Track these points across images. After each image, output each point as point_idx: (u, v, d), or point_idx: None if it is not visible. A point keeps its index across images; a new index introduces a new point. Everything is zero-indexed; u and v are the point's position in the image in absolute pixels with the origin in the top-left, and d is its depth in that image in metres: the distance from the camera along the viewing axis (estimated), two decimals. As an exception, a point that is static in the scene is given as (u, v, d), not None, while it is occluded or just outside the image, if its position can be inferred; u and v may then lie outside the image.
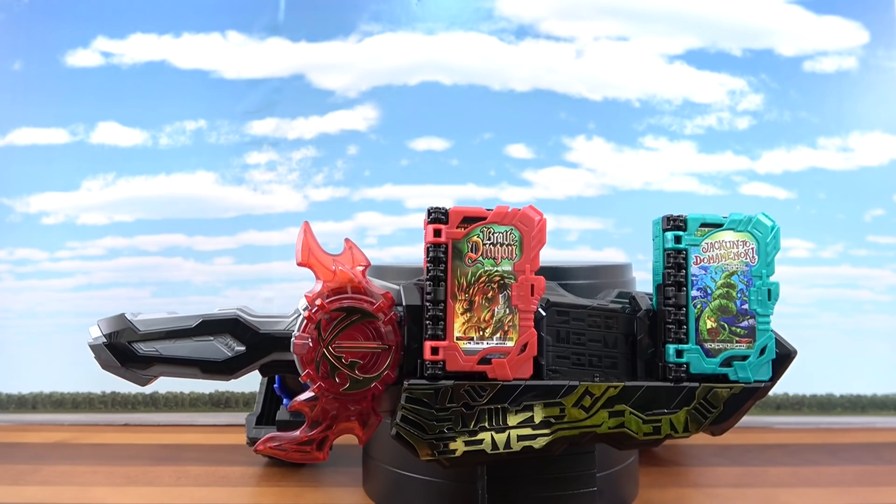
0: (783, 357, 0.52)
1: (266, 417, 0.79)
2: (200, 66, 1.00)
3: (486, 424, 0.49)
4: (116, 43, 1.00)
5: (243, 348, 0.53)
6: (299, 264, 0.53)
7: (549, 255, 0.96)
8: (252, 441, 0.79)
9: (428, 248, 0.49)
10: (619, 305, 0.53)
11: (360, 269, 0.53)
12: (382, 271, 0.66)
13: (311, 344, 0.51)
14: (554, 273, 0.59)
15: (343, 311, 0.51)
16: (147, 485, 0.72)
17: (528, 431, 0.49)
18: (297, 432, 0.54)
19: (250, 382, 0.99)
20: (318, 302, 0.51)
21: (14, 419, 0.99)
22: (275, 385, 0.78)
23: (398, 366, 0.51)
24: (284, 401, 0.77)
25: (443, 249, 0.49)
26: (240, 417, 0.97)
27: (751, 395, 0.50)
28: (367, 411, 0.53)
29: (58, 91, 1.00)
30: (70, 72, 1.00)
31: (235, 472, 0.76)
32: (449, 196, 0.98)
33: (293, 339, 0.51)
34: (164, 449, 0.86)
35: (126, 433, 0.93)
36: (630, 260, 0.72)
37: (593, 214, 0.98)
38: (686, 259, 0.50)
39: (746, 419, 0.59)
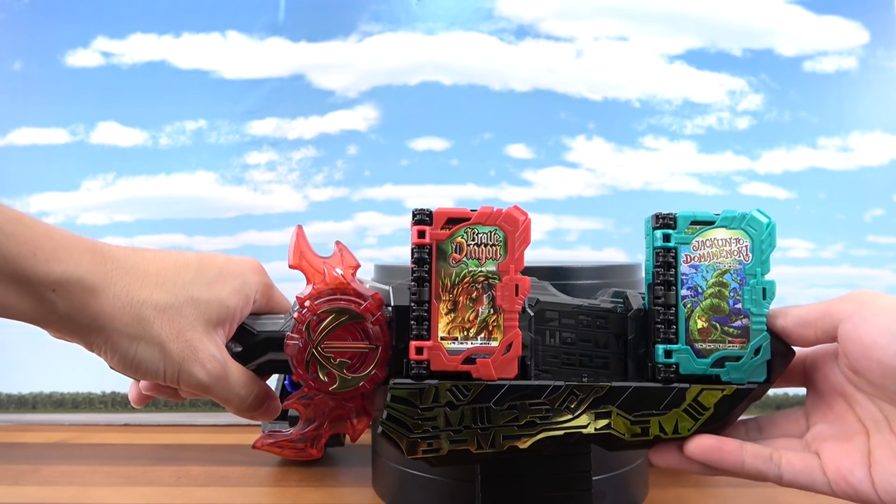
0: (783, 358, 0.51)
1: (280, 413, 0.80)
2: (200, 66, 1.00)
3: (471, 424, 0.49)
4: (116, 43, 1.00)
5: (240, 349, 0.54)
6: (291, 267, 0.54)
7: (550, 255, 0.96)
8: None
9: (413, 250, 0.49)
10: (612, 305, 0.52)
11: (350, 271, 0.53)
12: (387, 271, 0.65)
13: (300, 344, 0.51)
14: (564, 273, 0.59)
15: (331, 312, 0.52)
16: (147, 485, 0.72)
17: (513, 431, 0.49)
18: (293, 430, 0.55)
19: (250, 382, 0.99)
20: (307, 304, 0.52)
21: (14, 419, 0.99)
22: (285, 381, 0.78)
23: (386, 365, 0.52)
24: None
25: (427, 250, 0.49)
26: (239, 418, 0.97)
27: (745, 397, 0.50)
28: (358, 409, 0.54)
29: (58, 91, 1.00)
30: (70, 72, 1.00)
31: (235, 472, 0.76)
32: (449, 196, 0.98)
33: (285, 339, 0.52)
34: (164, 449, 0.86)
35: (126, 433, 0.94)
36: (630, 260, 0.72)
37: (593, 214, 0.98)
38: (675, 258, 0.50)
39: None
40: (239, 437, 0.91)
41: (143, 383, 0.56)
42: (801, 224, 0.97)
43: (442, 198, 0.98)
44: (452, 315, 0.49)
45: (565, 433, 0.49)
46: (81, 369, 0.99)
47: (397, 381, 0.49)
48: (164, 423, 0.98)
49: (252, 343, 0.54)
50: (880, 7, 0.99)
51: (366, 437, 0.80)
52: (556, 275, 0.58)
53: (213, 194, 0.99)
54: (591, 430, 0.49)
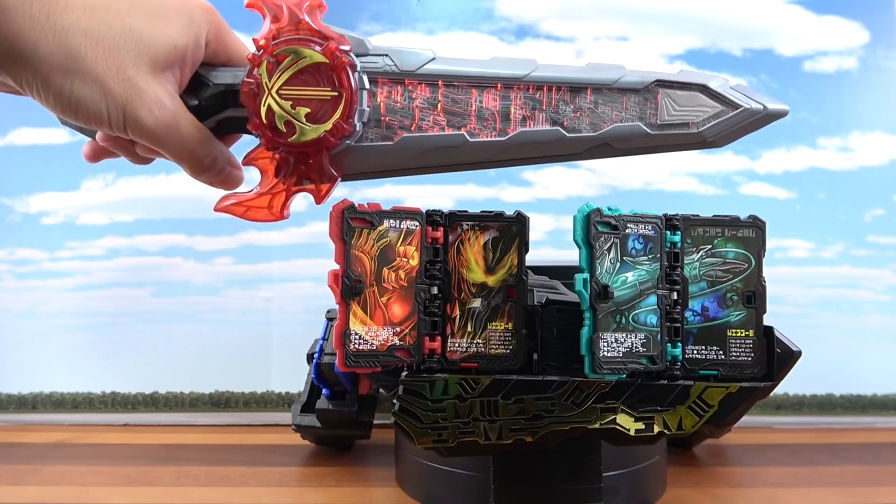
0: (787, 357, 0.52)
1: (310, 406, 0.80)
2: (200, 65, 1.00)
3: (479, 416, 0.50)
4: (116, 42, 1.00)
5: (196, 102, 0.50)
6: (247, 6, 0.49)
7: (550, 255, 0.96)
8: (297, 427, 0.81)
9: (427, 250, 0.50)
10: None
11: (315, 8, 0.49)
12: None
13: (255, 90, 0.47)
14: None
15: (289, 52, 0.47)
16: (147, 485, 0.72)
17: (519, 424, 0.50)
18: (254, 189, 0.51)
19: (251, 383, 0.99)
20: (262, 43, 0.48)
21: (14, 419, 0.99)
22: (312, 376, 0.78)
23: (352, 117, 0.48)
24: (324, 391, 0.79)
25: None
26: (239, 417, 0.98)
27: (749, 395, 0.50)
28: (323, 167, 0.50)
29: (58, 91, 1.00)
30: (70, 71, 1.00)
31: (235, 472, 0.76)
32: (449, 196, 0.98)
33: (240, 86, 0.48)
34: (164, 449, 0.86)
35: (126, 433, 0.93)
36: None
37: (593, 214, 0.98)
38: (679, 258, 0.50)
39: (746, 419, 0.59)
40: (239, 437, 0.91)
41: (98, 134, 0.52)
42: (801, 224, 0.98)
43: (442, 198, 0.98)
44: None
45: (570, 427, 0.50)
46: (81, 369, 0.99)
47: (409, 374, 0.49)
48: (164, 423, 0.98)
49: (209, 96, 0.50)
50: (880, 7, 0.99)
51: (366, 441, 0.81)
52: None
53: (213, 194, 0.99)
54: (595, 424, 0.50)
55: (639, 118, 0.51)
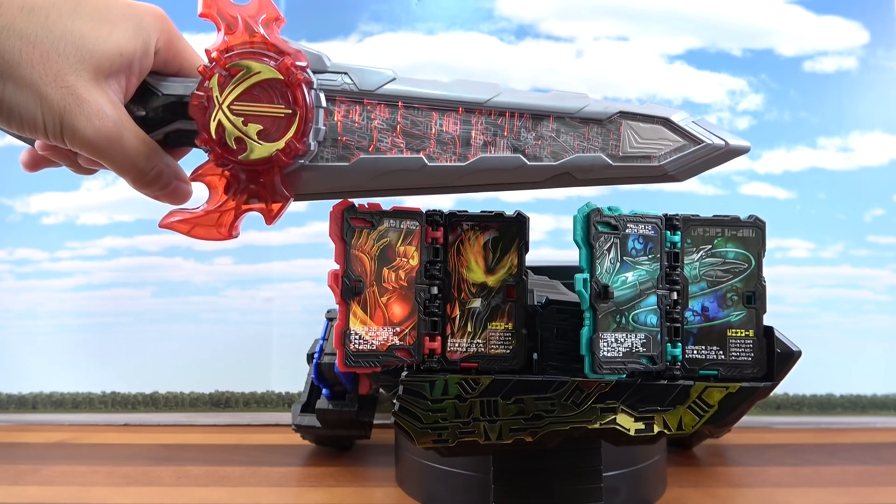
0: (786, 357, 0.52)
1: (311, 406, 0.80)
2: (200, 65, 1.00)
3: (479, 416, 0.50)
4: (116, 43, 1.00)
5: (143, 113, 0.48)
6: (200, 15, 0.47)
7: (550, 255, 0.96)
8: (297, 427, 0.81)
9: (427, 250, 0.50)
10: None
11: (271, 22, 0.48)
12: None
13: (206, 104, 0.45)
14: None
15: (242, 66, 0.45)
16: (147, 485, 0.72)
17: (519, 424, 0.50)
18: (202, 206, 0.49)
19: (251, 383, 0.99)
20: (214, 56, 0.46)
21: (14, 419, 0.99)
22: (312, 376, 0.78)
23: (306, 136, 0.47)
24: (324, 391, 0.79)
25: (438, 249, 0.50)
26: (239, 417, 0.98)
27: (749, 395, 0.50)
28: (274, 186, 0.48)
29: (58, 91, 1.00)
30: (70, 71, 1.00)
31: (235, 472, 0.76)
32: (449, 196, 0.98)
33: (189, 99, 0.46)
34: (164, 449, 0.86)
35: (126, 433, 0.93)
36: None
37: (593, 214, 0.98)
38: (679, 258, 0.50)
39: (746, 419, 0.59)
40: (239, 437, 0.91)
41: (37, 142, 0.50)
42: (801, 224, 0.98)
43: (442, 198, 0.98)
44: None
45: (571, 427, 0.50)
46: (81, 369, 0.99)
47: (409, 374, 0.50)
48: (164, 423, 0.98)
49: (157, 106, 0.48)
50: (880, 7, 0.99)
51: (366, 441, 0.81)
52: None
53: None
54: (595, 424, 0.50)
55: (601, 149, 0.50)
